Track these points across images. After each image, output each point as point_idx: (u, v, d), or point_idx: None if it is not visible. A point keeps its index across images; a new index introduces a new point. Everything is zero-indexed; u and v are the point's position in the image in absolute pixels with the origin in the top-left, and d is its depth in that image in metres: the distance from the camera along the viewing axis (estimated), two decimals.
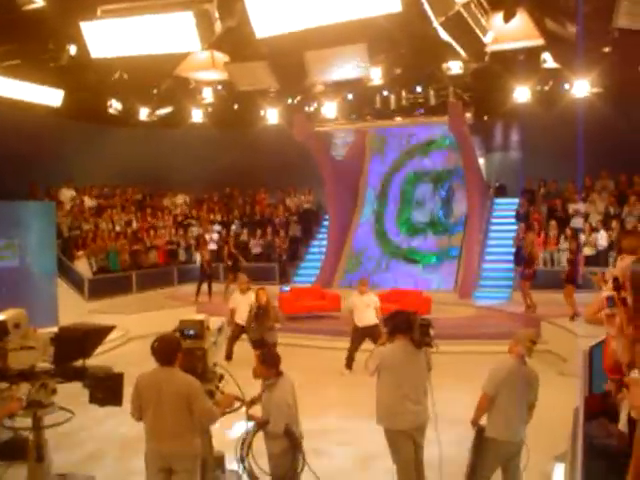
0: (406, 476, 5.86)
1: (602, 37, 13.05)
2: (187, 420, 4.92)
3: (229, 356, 11.71)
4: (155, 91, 17.87)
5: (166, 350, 5.01)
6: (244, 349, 11.89)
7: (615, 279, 2.41)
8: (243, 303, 11.98)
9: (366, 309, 11.49)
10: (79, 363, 5.66)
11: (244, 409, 5.86)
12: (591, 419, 4.04)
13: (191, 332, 5.54)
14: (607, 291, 2.80)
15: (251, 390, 5.94)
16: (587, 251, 16.41)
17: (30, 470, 5.78)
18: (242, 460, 5.79)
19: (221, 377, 5.75)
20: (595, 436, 3.61)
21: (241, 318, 11.78)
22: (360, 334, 11.46)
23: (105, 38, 9.25)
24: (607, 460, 2.37)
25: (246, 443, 5.79)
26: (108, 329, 6.08)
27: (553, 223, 17.88)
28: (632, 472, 2.33)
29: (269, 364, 5.77)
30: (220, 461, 6.03)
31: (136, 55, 9.73)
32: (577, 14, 11.63)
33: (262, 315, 11.06)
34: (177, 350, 5.07)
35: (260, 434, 5.79)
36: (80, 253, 17.27)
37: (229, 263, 19.10)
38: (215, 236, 21.21)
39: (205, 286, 18.40)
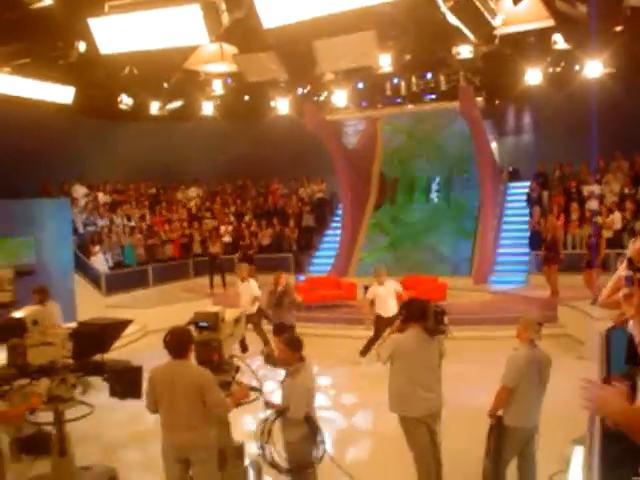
0: (424, 462, 5.89)
1: (614, 16, 12.88)
2: (201, 411, 4.98)
3: (244, 348, 11.68)
4: (165, 85, 17.89)
5: (178, 343, 5.08)
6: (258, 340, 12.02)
7: (629, 260, 2.40)
8: (243, 292, 12.09)
9: (387, 298, 11.36)
10: (98, 357, 5.73)
11: (261, 399, 5.89)
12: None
13: (205, 324, 5.57)
14: (624, 271, 2.77)
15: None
16: (606, 234, 16.20)
17: (54, 464, 5.87)
18: (262, 448, 5.82)
19: (237, 368, 5.79)
20: None
21: (242, 306, 11.85)
22: (384, 324, 11.43)
23: (113, 34, 9.26)
24: (624, 443, 2.36)
25: (265, 431, 5.81)
26: (125, 323, 6.14)
27: (575, 206, 17.72)
28: None
29: (294, 348, 5.74)
30: (240, 451, 6.07)
31: (145, 50, 9.74)
32: None
33: (282, 297, 11.10)
34: (189, 342, 5.14)
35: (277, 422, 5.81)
36: (96, 249, 17.40)
37: (241, 254, 19.28)
38: (230, 228, 21.30)
39: (218, 278, 18.58)
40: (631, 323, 3.00)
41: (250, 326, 12.05)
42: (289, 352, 5.73)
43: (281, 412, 5.69)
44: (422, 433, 5.84)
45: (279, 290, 11.25)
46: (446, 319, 5.88)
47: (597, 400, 2.06)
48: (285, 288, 11.29)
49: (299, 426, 5.60)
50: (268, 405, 5.87)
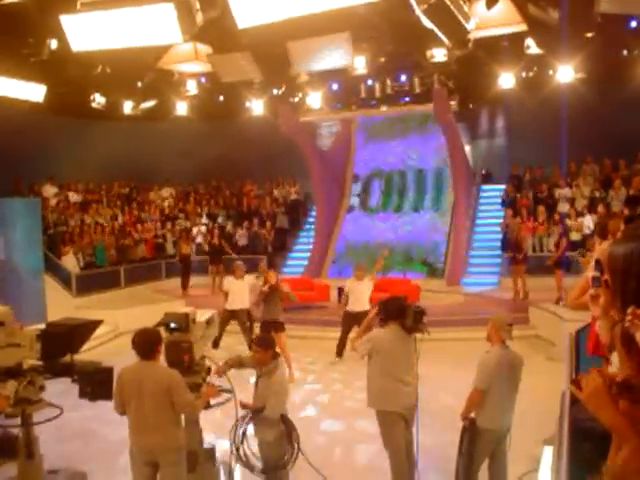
0: (398, 460, 5.92)
1: (585, 22, 13.05)
2: (169, 413, 4.95)
3: (216, 344, 11.65)
4: (139, 84, 17.74)
5: (146, 344, 5.04)
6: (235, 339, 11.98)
7: (597, 261, 2.42)
8: (239, 288, 12.00)
9: (361, 295, 11.51)
10: (67, 358, 5.64)
11: (237, 400, 5.85)
12: (577, 402, 4.06)
13: (175, 325, 5.53)
14: (592, 272, 2.81)
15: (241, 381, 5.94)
16: (574, 236, 16.50)
17: (21, 467, 5.77)
18: (237, 449, 5.78)
19: (208, 370, 5.75)
20: (581, 419, 3.64)
21: (233, 304, 11.87)
22: (351, 319, 11.46)
23: (86, 31, 9.15)
24: (592, 442, 2.39)
25: (239, 431, 5.79)
26: (95, 324, 6.07)
27: (541, 209, 17.95)
28: (613, 450, 2.35)
29: (266, 346, 5.76)
30: (211, 453, 6.03)
31: (118, 48, 9.64)
32: None
33: (272, 295, 11.04)
34: (157, 344, 5.10)
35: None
36: (67, 249, 17.16)
37: (209, 254, 19.17)
38: (203, 229, 21.16)
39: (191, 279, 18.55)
40: (597, 324, 3.03)
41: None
42: (262, 351, 5.73)
43: (256, 412, 5.67)
44: (400, 429, 5.91)
45: (267, 286, 11.18)
46: (425, 319, 5.94)
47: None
48: (275, 285, 11.20)
49: (275, 426, 5.60)
50: (243, 406, 5.84)
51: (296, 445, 5.70)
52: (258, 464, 5.77)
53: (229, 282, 12.38)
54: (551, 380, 7.02)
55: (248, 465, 5.82)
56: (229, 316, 12.00)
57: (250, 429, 5.84)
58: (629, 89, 17.15)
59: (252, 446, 5.88)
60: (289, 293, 11.03)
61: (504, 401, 5.68)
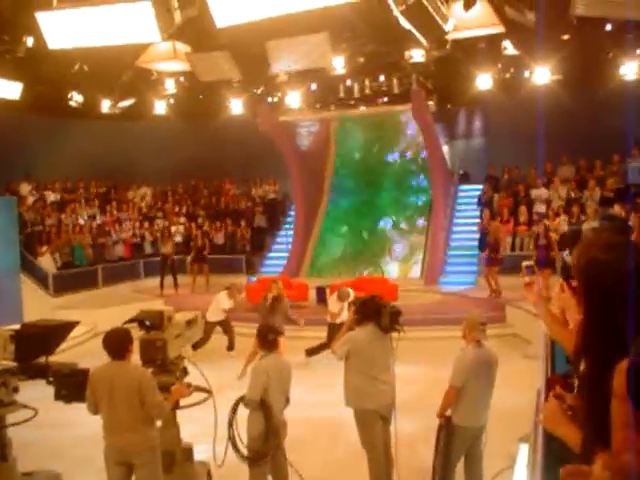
0: (376, 457, 5.97)
1: (561, 24, 13.19)
2: (141, 413, 4.95)
3: (196, 347, 11.63)
4: (117, 83, 17.58)
5: (117, 344, 5.05)
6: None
7: (565, 267, 2.50)
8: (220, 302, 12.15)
9: (341, 312, 11.41)
10: (42, 360, 5.59)
11: (212, 400, 5.83)
12: None
13: (148, 323, 5.51)
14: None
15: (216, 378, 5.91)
16: (554, 236, 16.58)
17: None
18: (229, 425, 5.80)
19: (184, 369, 5.72)
20: None
21: (212, 316, 11.95)
22: (337, 330, 11.45)
23: (62, 29, 9.05)
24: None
25: (230, 415, 5.81)
26: (71, 325, 6.03)
27: (523, 209, 18.10)
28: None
29: (261, 336, 5.95)
30: (188, 453, 6.00)
31: (95, 46, 9.56)
32: (536, 1, 11.74)
33: (276, 306, 10.94)
34: (127, 343, 5.09)
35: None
36: (44, 248, 16.99)
37: (192, 255, 19.08)
38: (181, 228, 21.04)
39: (170, 279, 18.36)
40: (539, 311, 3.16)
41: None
42: (257, 338, 5.99)
43: (242, 397, 5.75)
44: (377, 428, 5.97)
45: (271, 297, 11.05)
46: (400, 319, 6.00)
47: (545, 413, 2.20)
48: (277, 296, 11.08)
49: (259, 421, 5.59)
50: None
51: (275, 439, 5.70)
52: (244, 451, 5.78)
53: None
54: (527, 378, 7.09)
55: (236, 450, 5.81)
56: (214, 325, 12.06)
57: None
58: (605, 91, 17.34)
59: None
60: (286, 306, 11.02)
61: (479, 399, 5.75)
